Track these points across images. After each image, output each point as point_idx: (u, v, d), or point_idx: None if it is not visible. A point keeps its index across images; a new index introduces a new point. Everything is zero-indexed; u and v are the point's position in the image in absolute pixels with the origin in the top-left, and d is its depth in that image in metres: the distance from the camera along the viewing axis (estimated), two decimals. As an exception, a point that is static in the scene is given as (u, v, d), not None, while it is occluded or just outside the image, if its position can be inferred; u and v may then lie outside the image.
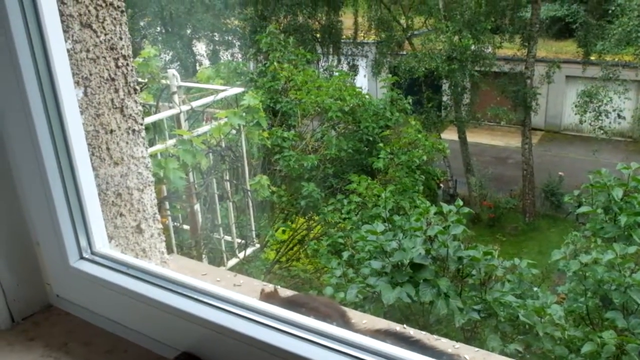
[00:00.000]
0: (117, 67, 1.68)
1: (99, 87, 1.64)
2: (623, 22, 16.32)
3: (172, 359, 1.36)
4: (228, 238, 5.74)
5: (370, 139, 10.74)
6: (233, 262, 5.79)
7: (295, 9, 20.61)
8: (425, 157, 10.40)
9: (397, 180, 9.75)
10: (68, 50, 1.51)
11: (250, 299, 1.32)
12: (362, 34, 22.51)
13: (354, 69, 21.97)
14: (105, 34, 1.63)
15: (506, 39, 19.52)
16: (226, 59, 20.36)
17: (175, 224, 5.55)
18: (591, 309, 4.98)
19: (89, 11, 1.58)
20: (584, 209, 5.63)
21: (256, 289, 2.06)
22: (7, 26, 1.32)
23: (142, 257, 1.84)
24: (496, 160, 21.80)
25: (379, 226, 5.25)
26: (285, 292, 2.04)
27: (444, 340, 1.86)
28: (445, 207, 5.18)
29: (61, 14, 1.48)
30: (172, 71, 5.08)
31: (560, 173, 19.31)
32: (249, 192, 5.79)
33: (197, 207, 5.42)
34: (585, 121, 19.07)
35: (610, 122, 18.47)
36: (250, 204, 5.89)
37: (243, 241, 5.91)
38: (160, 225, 1.93)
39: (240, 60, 19.22)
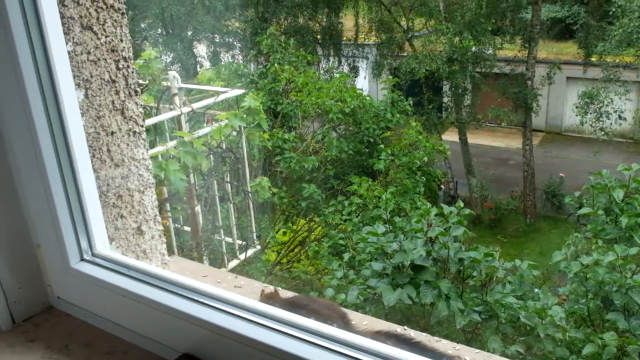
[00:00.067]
0: (118, 69, 1.68)
1: (100, 89, 1.64)
2: (624, 23, 16.32)
3: (172, 361, 1.36)
4: (229, 239, 5.73)
5: (371, 140, 10.74)
6: (234, 263, 5.79)
7: (295, 10, 20.62)
8: (426, 159, 10.39)
9: (398, 181, 9.75)
10: (69, 53, 1.51)
11: (250, 300, 1.32)
12: (362, 36, 22.52)
13: (354, 70, 21.98)
14: (106, 36, 1.63)
15: (507, 41, 19.51)
16: (227, 61, 20.37)
17: (176, 225, 5.55)
18: (592, 310, 4.97)
19: (89, 13, 1.58)
20: (584, 210, 5.62)
21: (257, 291, 2.06)
22: (8, 28, 1.32)
23: (143, 259, 1.84)
24: (497, 161, 21.79)
25: (380, 227, 5.24)
26: (286, 294, 2.04)
27: (444, 341, 1.86)
28: (446, 209, 5.18)
29: (62, 16, 1.48)
30: (173, 73, 5.08)
31: (561, 174, 19.30)
32: (250, 194, 5.79)
33: (197, 208, 5.41)
34: (586, 122, 19.07)
35: (611, 124, 18.45)
36: (251, 206, 5.89)
37: (244, 243, 5.91)
38: (161, 227, 1.93)
39: (241, 62, 19.24)
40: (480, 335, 5.05)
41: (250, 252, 5.98)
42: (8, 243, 1.54)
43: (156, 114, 5.06)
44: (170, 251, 4.14)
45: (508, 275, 5.05)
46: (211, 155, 5.28)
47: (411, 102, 11.81)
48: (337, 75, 14.10)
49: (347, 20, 22.49)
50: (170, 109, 5.02)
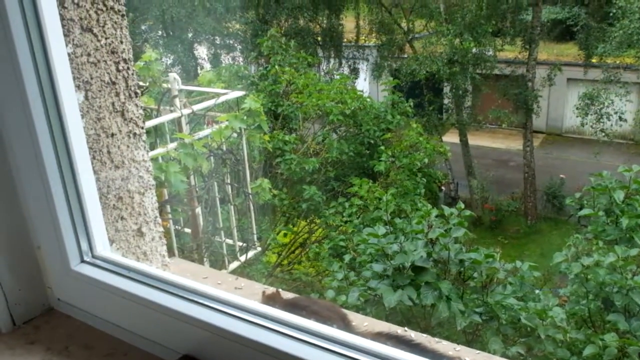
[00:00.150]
0: (118, 70, 1.68)
1: (100, 90, 1.64)
2: (624, 24, 16.32)
3: (172, 362, 1.36)
4: (229, 241, 5.73)
5: (372, 142, 10.74)
6: (234, 265, 5.79)
7: (296, 12, 20.63)
8: (426, 160, 10.40)
9: (399, 183, 9.75)
10: (69, 54, 1.51)
11: (251, 301, 1.32)
12: (363, 38, 22.52)
13: (355, 72, 21.98)
14: (106, 38, 1.64)
15: (507, 42, 19.52)
16: (227, 63, 20.36)
17: (177, 227, 5.55)
18: (593, 311, 4.97)
19: (89, 15, 1.58)
20: (585, 211, 5.62)
21: (257, 292, 2.06)
22: (8, 30, 1.32)
23: (143, 261, 1.84)
24: (497, 162, 21.79)
25: (381, 229, 5.24)
26: (286, 295, 2.04)
27: (445, 342, 1.86)
28: (447, 210, 5.18)
29: (62, 18, 1.48)
30: (174, 75, 5.08)
31: (561, 175, 19.30)
32: (250, 196, 5.79)
33: (198, 210, 5.42)
34: (586, 124, 19.07)
35: (611, 125, 18.45)
36: (252, 207, 5.89)
37: (244, 244, 5.91)
38: (161, 229, 1.93)
39: (241, 63, 19.24)
40: (481, 337, 5.04)
41: (250, 253, 5.98)
42: (8, 244, 1.54)
43: (157, 116, 5.06)
44: (170, 253, 4.14)
45: (509, 277, 5.05)
46: (211, 157, 5.28)
47: (412, 104, 11.82)
48: (338, 76, 14.09)
49: (348, 22, 22.51)
50: (171, 111, 5.02)
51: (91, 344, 1.49)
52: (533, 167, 18.80)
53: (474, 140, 20.26)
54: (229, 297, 1.33)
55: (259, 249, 6.71)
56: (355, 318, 2.02)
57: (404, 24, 20.78)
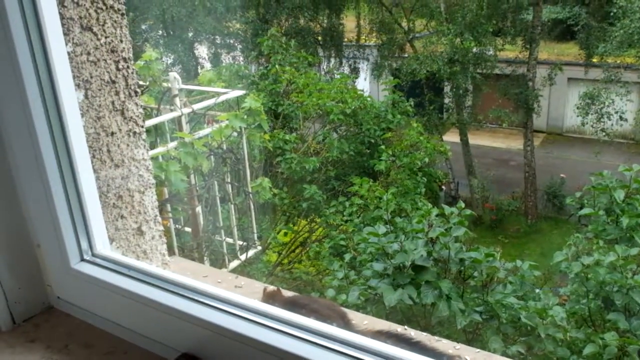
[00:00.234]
0: (118, 69, 1.68)
1: (100, 89, 1.64)
2: (625, 24, 16.31)
3: (172, 361, 1.36)
4: (229, 240, 5.74)
5: (372, 141, 10.74)
6: (234, 264, 5.79)
7: (296, 12, 20.63)
8: (427, 159, 10.40)
9: (399, 182, 9.74)
10: (68, 53, 1.51)
11: (251, 300, 1.32)
12: (363, 37, 22.52)
13: (355, 71, 21.98)
14: (106, 37, 1.64)
15: (508, 42, 19.51)
16: (228, 62, 20.38)
17: (177, 226, 5.55)
18: (593, 310, 4.97)
19: (89, 14, 1.58)
20: (585, 210, 5.62)
21: (257, 291, 2.06)
22: (8, 29, 1.32)
23: (143, 259, 1.84)
24: (498, 162, 21.79)
25: (381, 228, 5.24)
26: (286, 294, 2.04)
27: (445, 341, 1.86)
28: (447, 209, 5.18)
29: (61, 17, 1.48)
30: (174, 74, 5.08)
31: (562, 175, 19.30)
32: (251, 195, 5.79)
33: (198, 209, 5.42)
34: (587, 123, 19.07)
35: (612, 124, 18.46)
36: (252, 206, 5.89)
37: (245, 243, 5.91)
38: (162, 228, 1.93)
39: (241, 63, 19.26)
40: (481, 336, 5.04)
41: (251, 252, 5.98)
42: (8, 243, 1.55)
43: (157, 115, 5.06)
44: (170, 252, 4.15)
45: (509, 276, 5.05)
46: (212, 156, 5.28)
47: (412, 103, 11.82)
48: (338, 76, 14.10)
49: (348, 22, 22.51)
50: (171, 110, 5.02)
51: (91, 342, 1.49)
52: (533, 167, 18.80)
53: (474, 139, 20.26)
54: (229, 295, 1.33)
55: (259, 247, 6.71)
56: (355, 316, 2.02)
57: (404, 24, 20.78)
